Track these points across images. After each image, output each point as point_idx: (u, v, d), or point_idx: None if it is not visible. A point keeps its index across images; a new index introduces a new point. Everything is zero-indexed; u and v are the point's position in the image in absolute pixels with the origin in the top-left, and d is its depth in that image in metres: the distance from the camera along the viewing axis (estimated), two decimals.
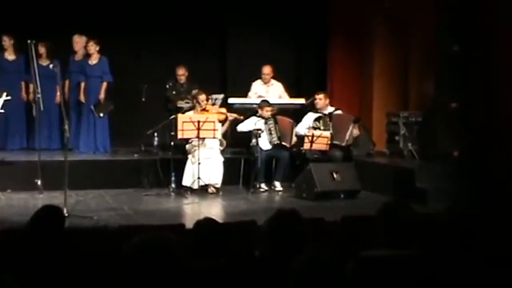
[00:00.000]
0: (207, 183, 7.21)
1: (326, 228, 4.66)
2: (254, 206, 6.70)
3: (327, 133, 7.54)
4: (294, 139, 7.77)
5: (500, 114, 6.93)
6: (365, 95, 9.12)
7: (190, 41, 9.00)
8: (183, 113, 7.58)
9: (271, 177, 7.63)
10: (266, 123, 7.67)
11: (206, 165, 7.20)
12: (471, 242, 2.69)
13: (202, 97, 7.53)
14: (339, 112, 7.93)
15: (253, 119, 7.72)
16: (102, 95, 8.25)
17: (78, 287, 2.69)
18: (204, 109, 7.53)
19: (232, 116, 7.73)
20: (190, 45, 8.98)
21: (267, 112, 7.73)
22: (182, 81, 8.49)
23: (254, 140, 7.54)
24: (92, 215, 5.87)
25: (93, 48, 8.23)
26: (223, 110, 7.98)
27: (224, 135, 7.71)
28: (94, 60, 8.28)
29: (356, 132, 7.75)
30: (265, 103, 7.80)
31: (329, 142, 7.47)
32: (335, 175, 7.09)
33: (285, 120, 7.86)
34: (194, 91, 7.83)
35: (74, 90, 8.40)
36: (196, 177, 7.12)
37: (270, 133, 7.68)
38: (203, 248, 2.83)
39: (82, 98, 8.32)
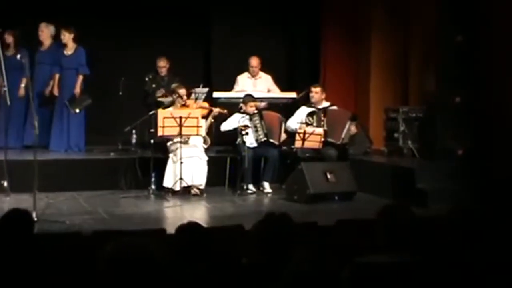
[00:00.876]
0: (190, 184, 7.21)
1: (319, 233, 4.69)
2: (241, 209, 6.71)
3: (320, 130, 7.55)
4: (284, 135, 7.78)
5: (507, 108, 6.95)
6: (362, 89, 9.14)
7: (172, 30, 8.96)
8: (164, 108, 7.57)
9: (260, 178, 7.64)
10: (251, 119, 7.65)
11: (189, 164, 7.20)
12: (474, 246, 2.72)
13: (183, 91, 7.52)
14: (334, 108, 7.92)
15: (236, 116, 7.70)
16: (77, 89, 8.17)
17: None
18: (184, 105, 7.51)
19: (216, 110, 7.71)
20: (172, 34, 8.94)
21: (251, 107, 7.71)
22: (163, 74, 8.51)
23: (239, 139, 7.52)
24: (64, 219, 5.84)
25: (66, 36, 8.13)
26: (205, 104, 7.97)
27: (209, 133, 7.72)
28: (69, 50, 8.19)
29: (353, 130, 7.74)
30: (248, 98, 7.78)
31: (322, 139, 7.47)
32: (329, 176, 7.11)
33: (272, 115, 7.85)
34: (174, 85, 7.83)
35: (42, 82, 8.29)
36: (178, 177, 7.12)
37: (256, 130, 7.66)
38: (186, 255, 2.83)
39: (55, 91, 8.22)
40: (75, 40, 8.18)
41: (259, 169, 7.68)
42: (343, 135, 7.67)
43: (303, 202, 6.90)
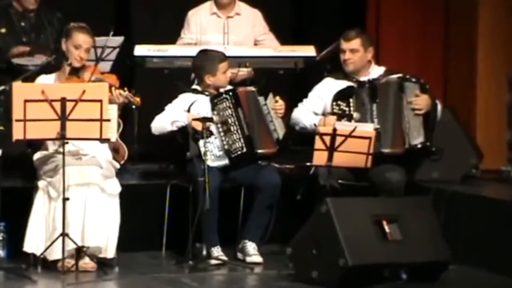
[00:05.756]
0: (82, 246, 7.31)
1: None
2: None
3: (369, 128, 7.65)
4: (280, 131, 7.95)
5: None
6: (457, 48, 9.67)
7: None
8: (26, 80, 7.77)
9: (237, 232, 7.90)
10: (214, 107, 7.90)
11: (80, 204, 7.35)
12: None
13: (81, 38, 7.66)
14: (395, 76, 8.12)
15: (184, 98, 7.99)
16: None
17: None
18: (74, 71, 7.75)
19: (123, 94, 7.71)
20: None
21: (224, 76, 7.89)
22: (29, 7, 8.84)
23: (192, 149, 7.73)
24: None
25: None
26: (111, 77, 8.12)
27: (123, 134, 7.90)
28: None
29: (420, 103, 7.89)
30: (218, 56, 7.98)
31: (371, 148, 7.56)
32: (387, 228, 7.12)
33: (245, 92, 8.11)
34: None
35: None
36: (56, 233, 7.20)
37: (227, 131, 7.88)
38: None
39: None
40: None
41: (237, 214, 7.94)
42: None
43: (331, 286, 6.89)
